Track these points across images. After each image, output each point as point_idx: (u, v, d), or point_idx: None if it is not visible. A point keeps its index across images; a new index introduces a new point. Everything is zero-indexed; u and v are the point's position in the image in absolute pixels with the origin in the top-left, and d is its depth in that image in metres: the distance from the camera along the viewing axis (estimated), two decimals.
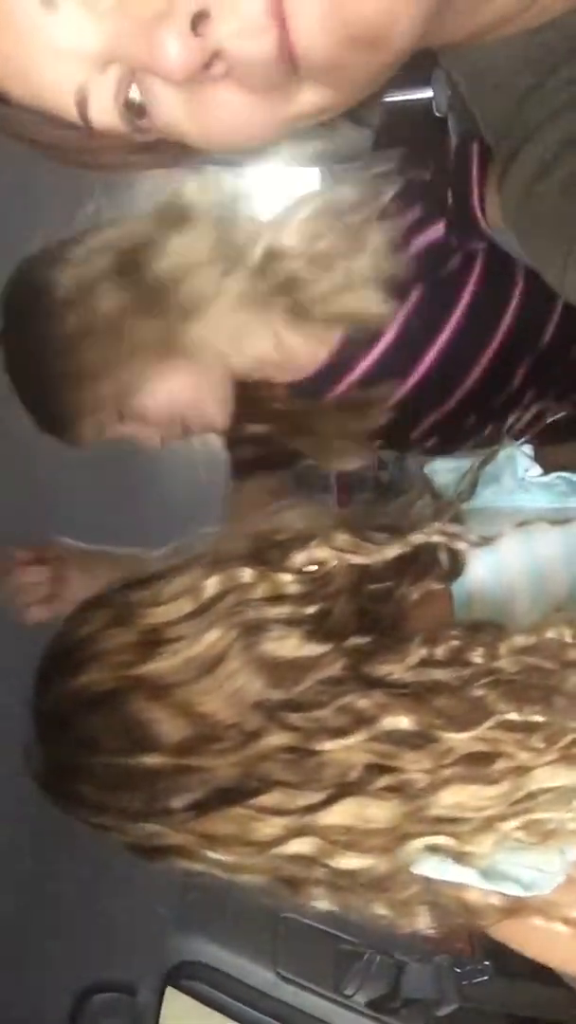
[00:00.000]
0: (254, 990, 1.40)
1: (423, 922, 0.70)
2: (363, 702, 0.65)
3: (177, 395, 1.06)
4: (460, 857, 0.66)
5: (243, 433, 1.13)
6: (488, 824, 0.65)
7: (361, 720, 0.65)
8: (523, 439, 0.82)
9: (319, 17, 0.45)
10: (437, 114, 0.84)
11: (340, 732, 0.65)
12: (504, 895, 0.68)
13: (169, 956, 1.42)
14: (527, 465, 0.81)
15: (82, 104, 0.50)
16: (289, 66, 0.46)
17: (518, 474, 0.81)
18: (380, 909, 0.70)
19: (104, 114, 0.50)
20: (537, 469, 0.81)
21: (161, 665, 0.67)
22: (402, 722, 0.65)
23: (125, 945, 1.33)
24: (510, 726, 0.65)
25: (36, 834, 1.10)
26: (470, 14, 0.56)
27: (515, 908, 0.68)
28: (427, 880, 0.69)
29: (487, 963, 1.47)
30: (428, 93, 0.83)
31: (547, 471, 0.81)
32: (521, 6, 0.56)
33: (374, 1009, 1.45)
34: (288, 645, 0.67)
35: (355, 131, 0.65)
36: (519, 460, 0.81)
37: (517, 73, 0.60)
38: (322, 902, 0.69)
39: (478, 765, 0.65)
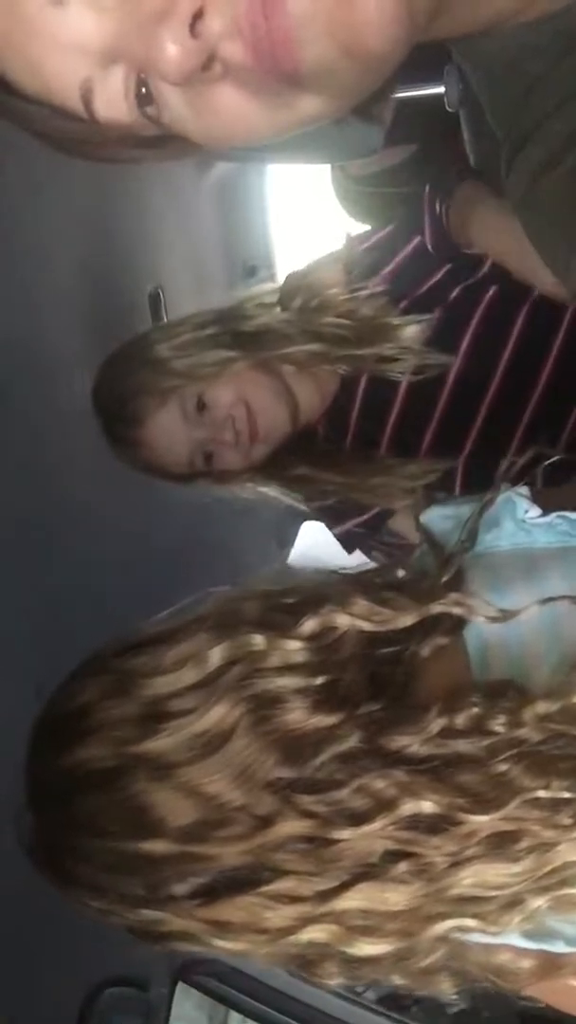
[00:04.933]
0: (265, 986, 1.40)
1: (446, 987, 0.67)
2: (382, 783, 0.61)
3: (247, 396, 1.23)
4: (487, 935, 0.63)
5: (291, 474, 1.31)
6: (514, 902, 0.62)
7: (381, 804, 0.61)
8: (521, 482, 0.80)
9: (307, 25, 0.44)
10: (449, 109, 0.83)
11: (359, 819, 0.61)
12: (537, 954, 0.64)
13: (181, 951, 1.42)
14: (526, 507, 0.79)
15: (87, 98, 0.50)
16: (281, 75, 0.46)
17: (518, 516, 0.79)
18: (399, 980, 0.66)
19: (109, 109, 0.51)
20: (536, 510, 0.79)
21: (164, 742, 0.62)
22: (424, 806, 0.61)
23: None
24: (536, 804, 0.61)
25: None
26: (481, 4, 0.56)
27: (548, 969, 0.65)
28: (451, 943, 0.65)
29: None
30: (440, 88, 0.83)
31: (547, 512, 0.79)
32: None
33: (385, 1006, 1.45)
34: (297, 716, 0.62)
35: (366, 127, 0.65)
36: (518, 502, 0.79)
37: (526, 61, 0.59)
38: (337, 980, 0.65)
39: (501, 844, 0.62)
